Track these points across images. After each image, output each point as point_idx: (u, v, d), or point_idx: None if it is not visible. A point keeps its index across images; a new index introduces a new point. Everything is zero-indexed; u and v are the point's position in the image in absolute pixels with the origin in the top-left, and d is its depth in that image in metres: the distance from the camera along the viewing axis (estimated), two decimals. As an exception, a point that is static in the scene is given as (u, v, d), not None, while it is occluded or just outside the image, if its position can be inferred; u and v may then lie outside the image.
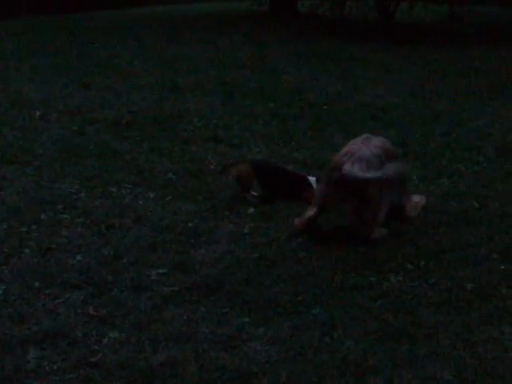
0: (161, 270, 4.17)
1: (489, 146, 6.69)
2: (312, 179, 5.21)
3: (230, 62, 10.56)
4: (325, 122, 7.30)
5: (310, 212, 4.71)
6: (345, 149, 4.74)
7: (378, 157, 4.65)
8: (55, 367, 3.31)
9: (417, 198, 5.15)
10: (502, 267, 4.36)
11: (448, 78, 10.02)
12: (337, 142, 6.56)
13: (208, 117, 7.31)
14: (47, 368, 3.30)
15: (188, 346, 3.48)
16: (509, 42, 13.41)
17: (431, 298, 3.97)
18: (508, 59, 11.57)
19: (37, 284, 3.98)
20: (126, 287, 3.99)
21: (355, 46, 12.17)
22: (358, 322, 3.71)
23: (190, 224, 4.77)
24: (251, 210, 5.02)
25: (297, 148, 6.43)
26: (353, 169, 4.48)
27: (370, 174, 4.49)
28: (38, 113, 7.23)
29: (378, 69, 10.46)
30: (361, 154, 4.58)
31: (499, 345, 3.57)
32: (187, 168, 5.81)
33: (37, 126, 6.82)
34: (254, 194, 5.23)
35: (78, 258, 4.30)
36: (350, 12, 15.00)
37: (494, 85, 9.57)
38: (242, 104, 7.91)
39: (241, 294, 3.92)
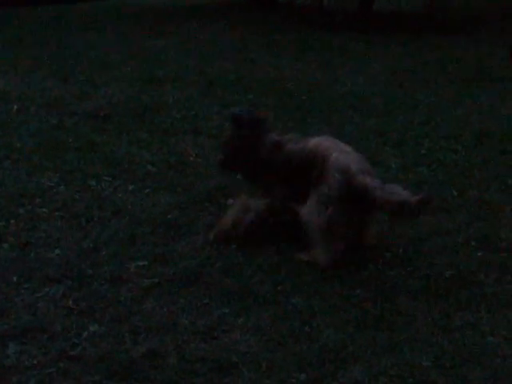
0: (140, 263, 4.16)
1: (467, 134, 6.73)
2: None
3: (208, 52, 10.53)
4: (304, 112, 7.30)
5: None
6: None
7: None
8: (35, 361, 3.30)
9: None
10: (480, 254, 4.41)
11: (427, 66, 10.06)
12: (316, 133, 6.57)
13: (187, 108, 7.29)
14: (27, 362, 3.29)
15: (168, 338, 3.49)
16: (488, 31, 13.49)
17: (410, 286, 4.01)
18: (487, 47, 11.63)
19: (15, 278, 3.96)
20: (105, 280, 3.98)
21: (334, 35, 12.18)
22: (337, 310, 3.74)
23: (169, 216, 4.77)
24: (231, 201, 5.02)
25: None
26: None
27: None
28: (15, 106, 7.17)
29: (357, 58, 10.48)
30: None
31: (477, 330, 3.62)
32: (166, 160, 5.80)
33: (14, 120, 6.77)
34: None
35: (57, 251, 4.28)
36: (329, 1, 15.02)
37: (473, 73, 9.63)
38: (222, 95, 7.89)
39: (220, 285, 3.93)
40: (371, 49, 11.34)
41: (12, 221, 4.66)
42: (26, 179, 5.34)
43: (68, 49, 10.47)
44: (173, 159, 5.81)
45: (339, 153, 4.16)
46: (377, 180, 4.09)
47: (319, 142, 4.30)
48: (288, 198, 4.27)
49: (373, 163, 5.74)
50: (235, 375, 3.25)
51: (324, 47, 11.19)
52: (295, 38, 11.86)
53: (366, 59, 10.47)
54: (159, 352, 3.38)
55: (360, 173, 4.02)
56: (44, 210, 4.85)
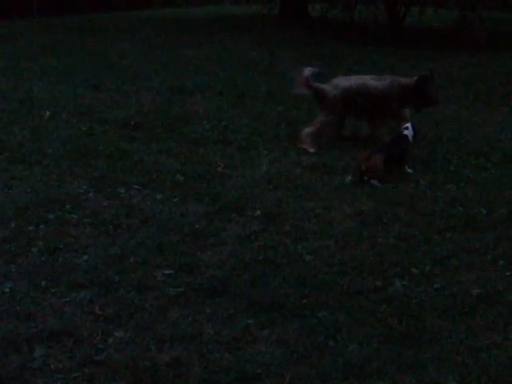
0: (167, 271, 4.19)
1: (497, 152, 6.68)
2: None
3: (239, 64, 10.60)
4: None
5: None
6: None
7: None
8: (61, 365, 3.33)
9: None
10: (508, 273, 4.36)
11: (457, 83, 10.02)
12: (345, 146, 6.58)
13: (217, 119, 7.34)
14: (53, 366, 3.32)
15: (193, 347, 3.50)
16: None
17: (436, 303, 3.97)
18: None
19: (44, 283, 4.01)
20: (132, 287, 4.01)
21: (365, 49, 12.18)
22: (362, 325, 3.72)
23: (196, 225, 4.79)
24: (258, 212, 5.04)
25: (305, 151, 6.43)
26: None
27: None
28: (47, 113, 7.27)
29: (387, 73, 10.44)
30: None
31: (503, 351, 3.57)
32: (195, 170, 5.83)
33: (46, 126, 6.87)
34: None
35: (85, 257, 4.32)
36: (360, 16, 15.03)
37: (504, 91, 9.57)
38: (251, 106, 7.94)
39: (246, 296, 3.93)
40: (401, 63, 11.31)
41: (41, 226, 4.72)
42: (56, 185, 5.41)
43: (100, 57, 10.61)
44: (201, 169, 5.85)
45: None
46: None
47: None
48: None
49: (401, 179, 5.77)
50: (259, 387, 3.25)
51: (354, 61, 11.20)
52: (326, 52, 11.89)
53: (396, 74, 10.42)
54: (183, 361, 3.39)
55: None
56: (73, 216, 4.90)
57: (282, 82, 9.33)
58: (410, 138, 6.05)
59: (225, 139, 6.67)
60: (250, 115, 7.53)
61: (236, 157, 6.20)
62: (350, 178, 5.73)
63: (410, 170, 6.01)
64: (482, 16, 14.19)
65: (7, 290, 3.94)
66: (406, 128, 6.05)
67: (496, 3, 15.13)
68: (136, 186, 5.44)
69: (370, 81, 6.93)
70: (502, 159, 6.49)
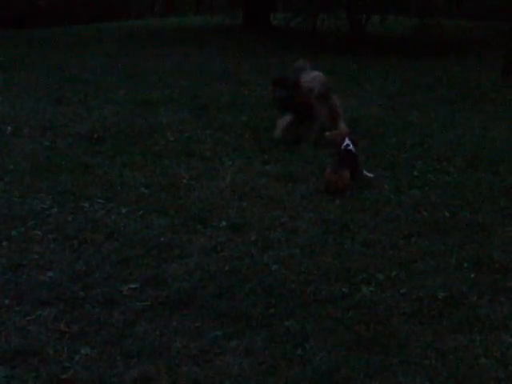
0: (133, 285, 4.15)
1: (459, 156, 6.77)
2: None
3: (202, 75, 10.59)
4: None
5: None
6: None
7: None
8: (26, 386, 3.27)
9: None
10: (473, 275, 4.41)
11: (418, 89, 10.14)
12: (309, 155, 6.61)
13: (180, 130, 7.32)
14: (18, 386, 3.26)
15: (161, 361, 3.47)
16: (477, 54, 13.61)
17: (403, 308, 4.00)
18: (476, 70, 11.73)
19: (7, 301, 3.94)
20: (97, 303, 3.96)
21: (327, 58, 12.27)
22: (330, 333, 3.73)
23: (162, 238, 4.76)
24: (223, 223, 5.03)
25: (269, 161, 6.45)
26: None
27: None
28: (9, 128, 7.18)
29: (350, 81, 10.55)
30: None
31: (470, 353, 3.62)
32: (160, 182, 5.80)
33: (8, 142, 6.77)
34: None
35: (50, 274, 4.26)
36: (322, 25, 15.13)
37: (464, 96, 9.71)
38: (215, 117, 7.93)
39: (213, 308, 3.91)
40: (363, 71, 11.42)
41: (4, 243, 4.65)
42: (19, 201, 5.33)
43: (61, 71, 10.51)
44: (166, 182, 5.82)
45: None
46: None
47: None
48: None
49: (365, 185, 5.80)
50: (228, 399, 3.23)
51: (317, 69, 11.25)
52: (289, 61, 11.93)
53: (359, 82, 10.54)
54: (151, 376, 3.36)
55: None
56: (37, 232, 4.83)
57: (245, 92, 9.36)
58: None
59: (189, 151, 6.65)
60: (214, 126, 7.52)
61: (200, 168, 6.19)
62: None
63: (370, 175, 6.05)
64: (441, 23, 14.40)
65: (-30, 309, 3.87)
66: (348, 145, 5.97)
67: (453, 11, 15.37)
68: (100, 200, 5.39)
69: None
70: (464, 163, 6.57)
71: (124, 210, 5.22)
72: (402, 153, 6.83)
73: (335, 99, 7.36)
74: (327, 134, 6.27)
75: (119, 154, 6.51)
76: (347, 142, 5.98)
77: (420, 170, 6.36)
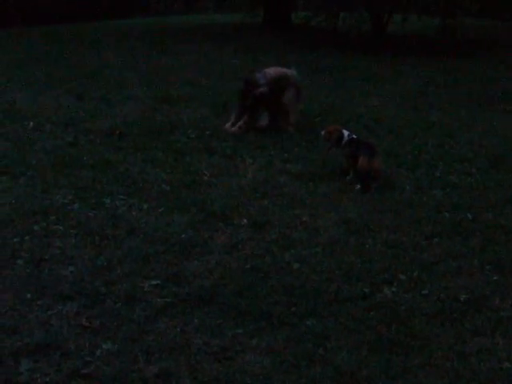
0: (154, 282, 4.15)
1: (481, 157, 6.72)
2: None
3: (223, 72, 10.58)
4: (318, 133, 7.28)
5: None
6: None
7: None
8: (48, 379, 3.29)
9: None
10: (495, 278, 4.37)
11: (440, 88, 10.08)
12: (330, 154, 6.58)
13: (201, 127, 7.31)
14: (39, 380, 3.29)
15: (181, 358, 3.47)
16: (500, 54, 13.50)
17: (424, 309, 3.98)
18: (499, 70, 11.64)
19: (29, 295, 3.96)
20: (119, 298, 3.97)
21: (348, 57, 12.23)
22: (351, 333, 3.71)
23: (183, 235, 4.76)
24: (244, 220, 5.02)
25: (290, 159, 6.44)
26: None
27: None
28: (31, 123, 7.21)
29: (371, 80, 10.51)
30: None
31: (492, 356, 3.58)
32: (181, 179, 5.81)
33: (30, 137, 6.81)
34: None
35: (71, 268, 4.28)
36: (344, 23, 15.08)
37: (486, 96, 9.64)
38: (236, 115, 7.90)
39: (234, 305, 3.91)
40: (384, 70, 11.36)
41: (26, 237, 4.67)
42: (41, 196, 5.36)
43: (83, 67, 10.55)
44: (187, 178, 5.82)
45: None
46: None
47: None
48: None
49: (387, 185, 5.77)
50: (248, 397, 3.23)
51: (338, 68, 11.23)
52: (309, 59, 11.92)
53: (380, 81, 10.49)
54: (172, 372, 3.36)
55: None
56: (58, 227, 4.85)
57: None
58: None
59: (210, 148, 6.65)
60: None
61: (221, 165, 6.19)
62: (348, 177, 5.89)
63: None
64: (463, 23, 14.31)
65: (-8, 303, 3.89)
66: (350, 134, 6.06)
67: (475, 10, 15.25)
68: (121, 196, 5.40)
69: None
70: (485, 164, 6.53)
71: (145, 207, 5.23)
72: (424, 153, 6.79)
73: (289, 92, 7.41)
74: (322, 132, 6.24)
75: (140, 150, 6.52)
76: (346, 132, 6.02)
77: (442, 171, 6.32)
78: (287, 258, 4.50)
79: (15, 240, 4.62)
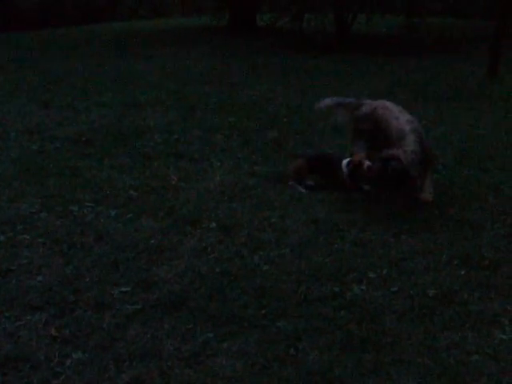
0: (124, 288, 4.12)
1: (448, 153, 6.78)
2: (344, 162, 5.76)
3: (189, 76, 10.57)
4: (285, 134, 7.33)
5: None
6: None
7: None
8: (17, 392, 3.25)
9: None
10: (463, 272, 4.42)
11: (407, 87, 10.16)
12: (298, 154, 6.60)
13: (168, 132, 7.30)
14: (9, 393, 3.24)
15: (153, 364, 3.45)
16: (464, 52, 13.67)
17: (394, 306, 4.00)
18: (464, 68, 11.78)
19: (-3, 307, 3.91)
20: (88, 306, 3.94)
21: (314, 58, 12.27)
22: (322, 332, 3.72)
23: (152, 241, 4.74)
24: (213, 224, 5.01)
25: (258, 161, 6.44)
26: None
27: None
28: (-5, 132, 7.13)
29: (337, 80, 10.56)
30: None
31: (462, 350, 3.62)
32: (148, 184, 5.78)
33: (-5, 146, 6.73)
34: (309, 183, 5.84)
35: (40, 278, 4.23)
36: (309, 25, 15.16)
37: (451, 93, 9.74)
38: (203, 118, 7.92)
39: (204, 310, 3.90)
40: (350, 71, 11.43)
41: (-7, 248, 4.61)
42: (7, 206, 5.29)
43: (48, 74, 10.46)
44: (155, 183, 5.80)
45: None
46: None
47: None
48: None
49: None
50: (221, 401, 3.22)
51: (304, 70, 11.27)
52: (276, 62, 11.95)
53: (346, 81, 10.55)
54: (144, 379, 3.34)
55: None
56: (25, 236, 4.80)
57: (233, 93, 9.34)
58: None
59: (177, 152, 6.63)
60: (202, 127, 7.51)
61: (189, 169, 6.17)
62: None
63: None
64: (428, 22, 14.47)
65: (-41, 316, 3.83)
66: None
67: (439, 8, 15.44)
68: (89, 204, 5.36)
69: None
70: (452, 160, 6.59)
71: (113, 213, 5.20)
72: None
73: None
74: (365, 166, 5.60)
75: (107, 156, 6.48)
76: (367, 162, 5.61)
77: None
78: (256, 260, 4.50)
79: (-19, 251, 4.56)
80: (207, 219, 5.09)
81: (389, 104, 5.90)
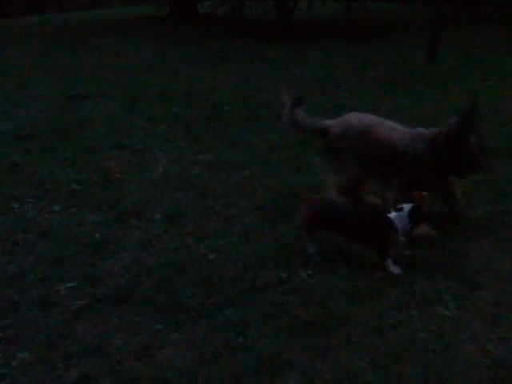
0: (69, 284, 4.07)
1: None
2: (396, 214, 4.17)
3: (130, 66, 10.44)
4: (229, 123, 7.31)
5: None
6: None
7: None
8: (-39, 396, 3.18)
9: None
10: (408, 252, 4.48)
11: (348, 72, 10.24)
12: (242, 142, 6.61)
13: (111, 124, 7.20)
14: (-47, 398, 3.17)
15: (101, 360, 3.41)
16: (404, 36, 13.83)
17: (341, 289, 4.04)
18: (403, 52, 11.92)
19: None
20: (33, 305, 3.87)
21: (256, 45, 12.26)
22: (270, 318, 3.74)
23: (96, 235, 4.68)
24: (158, 215, 4.98)
25: (201, 150, 6.42)
26: None
27: None
28: None
29: (279, 66, 10.58)
30: None
31: (408, 328, 3.68)
32: (91, 178, 5.70)
33: None
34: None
35: (-19, 278, 4.14)
36: (250, 12, 15.12)
37: (392, 77, 9.86)
38: (145, 109, 7.84)
39: (152, 302, 3.87)
40: (292, 57, 11.46)
41: None
42: None
43: (-15, 69, 10.21)
44: (98, 177, 5.72)
45: None
46: None
47: None
48: None
49: (299, 169, 5.83)
50: (171, 392, 3.21)
51: (246, 57, 11.25)
52: (217, 49, 11.90)
53: (288, 67, 10.57)
54: (93, 376, 3.30)
55: None
56: (-34, 235, 4.69)
57: (175, 82, 9.27)
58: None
59: (120, 144, 6.55)
60: (144, 118, 7.44)
61: (132, 161, 6.11)
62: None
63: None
64: (369, 7, 14.59)
65: None
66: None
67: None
68: (31, 200, 5.26)
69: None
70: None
71: (56, 208, 5.11)
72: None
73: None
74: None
75: (49, 151, 6.37)
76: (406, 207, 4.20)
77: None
78: (203, 249, 4.49)
79: None
80: (152, 210, 5.06)
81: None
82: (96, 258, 4.38)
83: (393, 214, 4.17)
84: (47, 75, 9.75)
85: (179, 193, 5.40)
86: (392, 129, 4.88)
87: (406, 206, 4.17)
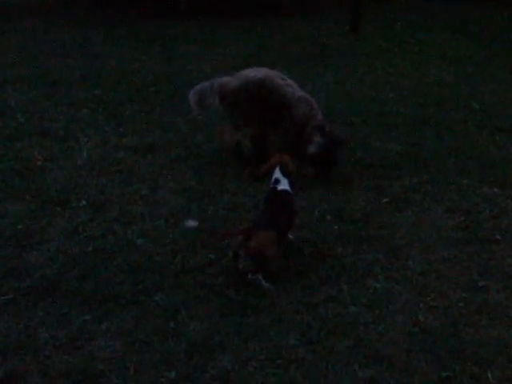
0: (-8, 279, 3.93)
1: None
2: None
3: (50, 50, 10.12)
4: (153, 104, 7.19)
5: None
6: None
7: None
8: None
9: None
10: (336, 227, 4.52)
11: (271, 49, 10.20)
12: (166, 123, 6.52)
13: (31, 111, 6.97)
14: None
15: (29, 356, 3.31)
16: (324, 10, 13.87)
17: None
18: (325, 27, 11.96)
19: None
20: (-46, 303, 3.72)
21: (177, 24, 12.08)
22: (201, 301, 3.71)
23: (19, 226, 4.53)
24: (83, 202, 4.86)
25: (126, 133, 6.29)
26: None
27: None
28: None
29: (203, 46, 10.45)
30: None
31: (339, 302, 3.72)
32: (12, 167, 5.51)
33: None
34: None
35: None
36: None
37: (316, 52, 9.89)
38: (67, 93, 7.62)
39: (79, 292, 3.78)
40: (215, 35, 11.34)
41: None
42: None
43: None
44: (19, 166, 5.53)
45: None
46: None
47: None
48: None
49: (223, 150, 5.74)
50: None
51: (168, 37, 11.07)
52: (138, 30, 11.67)
53: (211, 46, 10.46)
54: (20, 372, 3.20)
55: None
56: None
57: (97, 65, 9.05)
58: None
59: (42, 131, 6.35)
60: (66, 102, 7.23)
61: (55, 148, 5.93)
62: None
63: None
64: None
65: None
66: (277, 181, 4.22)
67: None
68: None
69: None
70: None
71: (-25, 201, 4.93)
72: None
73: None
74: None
75: (-35, 141, 6.12)
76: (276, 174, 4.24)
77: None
78: (130, 234, 4.41)
79: None
80: (77, 198, 4.93)
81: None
82: (20, 250, 4.24)
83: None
84: (-38, 62, 9.36)
85: (104, 178, 5.28)
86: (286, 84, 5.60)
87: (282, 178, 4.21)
